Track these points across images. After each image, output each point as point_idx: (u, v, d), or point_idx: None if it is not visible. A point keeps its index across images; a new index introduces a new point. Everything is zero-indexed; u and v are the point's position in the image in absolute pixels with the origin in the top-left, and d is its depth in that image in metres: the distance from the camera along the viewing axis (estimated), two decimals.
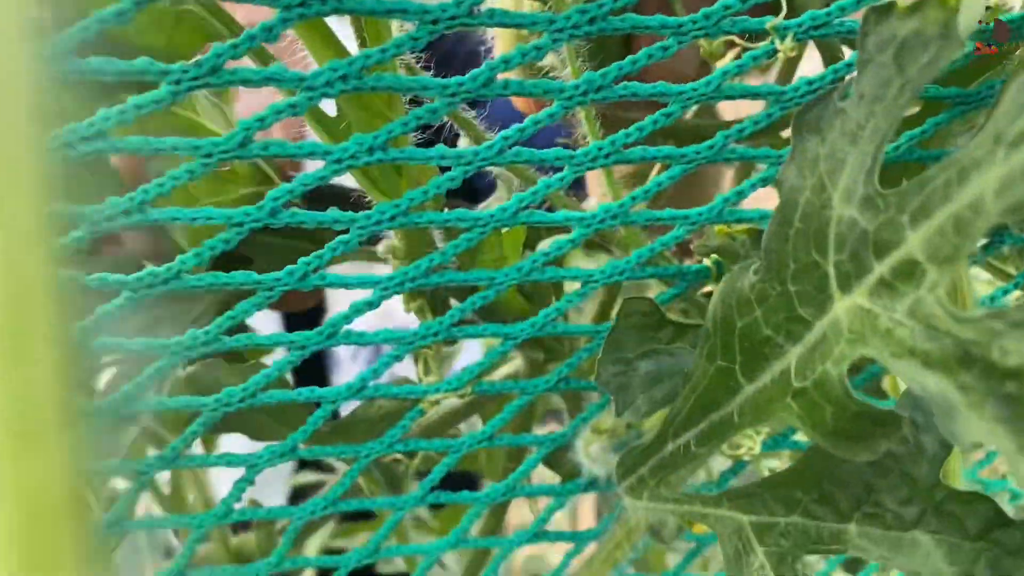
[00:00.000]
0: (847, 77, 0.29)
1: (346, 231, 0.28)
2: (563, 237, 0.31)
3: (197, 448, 0.55)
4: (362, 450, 0.34)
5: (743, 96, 0.29)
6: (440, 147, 0.28)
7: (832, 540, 0.28)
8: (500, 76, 0.27)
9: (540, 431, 0.42)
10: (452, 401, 0.41)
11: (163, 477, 0.52)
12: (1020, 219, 0.33)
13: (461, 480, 0.55)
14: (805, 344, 0.25)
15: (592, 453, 0.37)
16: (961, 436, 0.20)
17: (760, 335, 0.26)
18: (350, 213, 0.28)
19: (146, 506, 0.51)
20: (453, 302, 0.37)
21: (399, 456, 0.43)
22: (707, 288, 0.35)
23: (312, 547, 0.67)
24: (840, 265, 0.23)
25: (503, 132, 0.28)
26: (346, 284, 0.29)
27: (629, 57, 0.27)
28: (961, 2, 0.23)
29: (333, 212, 0.28)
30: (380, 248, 0.33)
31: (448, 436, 0.39)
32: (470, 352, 0.70)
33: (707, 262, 0.34)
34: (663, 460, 0.32)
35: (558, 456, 0.39)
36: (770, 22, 0.28)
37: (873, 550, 0.27)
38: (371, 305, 0.30)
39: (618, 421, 0.36)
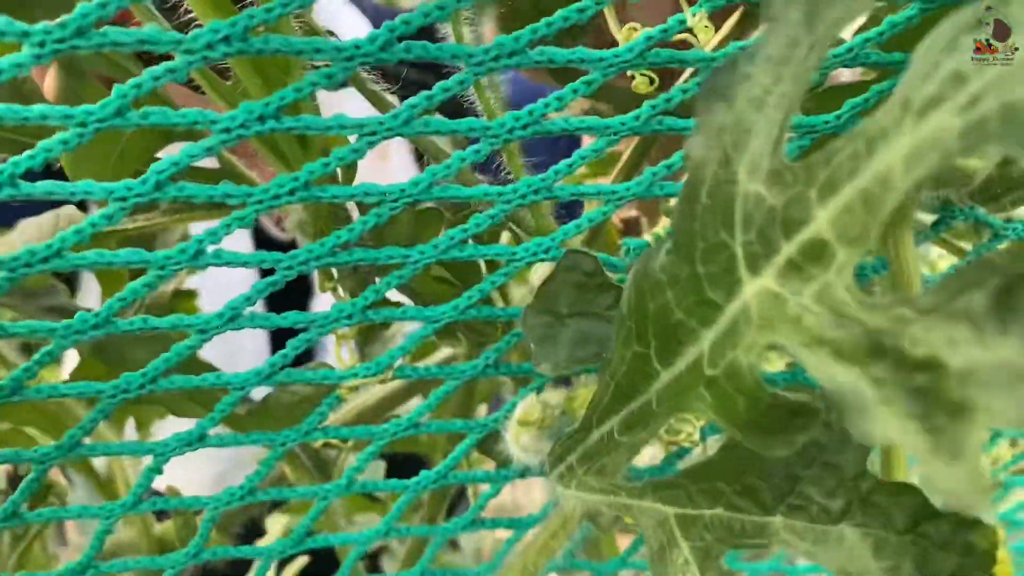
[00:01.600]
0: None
1: (243, 206, 0.26)
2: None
3: (131, 432, 0.54)
4: (277, 439, 0.32)
5: (668, 63, 0.27)
6: (339, 116, 0.26)
7: (756, 534, 0.26)
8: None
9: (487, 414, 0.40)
10: (392, 384, 0.40)
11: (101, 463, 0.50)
12: (947, 190, 0.31)
13: (408, 462, 0.54)
14: (717, 329, 0.23)
15: (523, 442, 0.35)
16: (872, 434, 0.18)
17: (672, 319, 0.24)
18: (244, 187, 0.26)
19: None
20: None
21: (332, 440, 0.41)
22: None
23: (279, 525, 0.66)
24: (748, 245, 0.21)
25: (409, 100, 0.26)
26: (245, 262, 0.28)
27: (544, 19, 0.25)
28: None
29: (226, 186, 0.26)
30: (288, 223, 0.32)
31: (388, 419, 0.38)
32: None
33: (648, 238, 0.32)
34: (589, 448, 0.30)
35: (493, 442, 0.37)
36: None
37: (799, 544, 0.26)
38: (274, 284, 0.28)
39: (546, 412, 0.34)
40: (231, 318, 0.28)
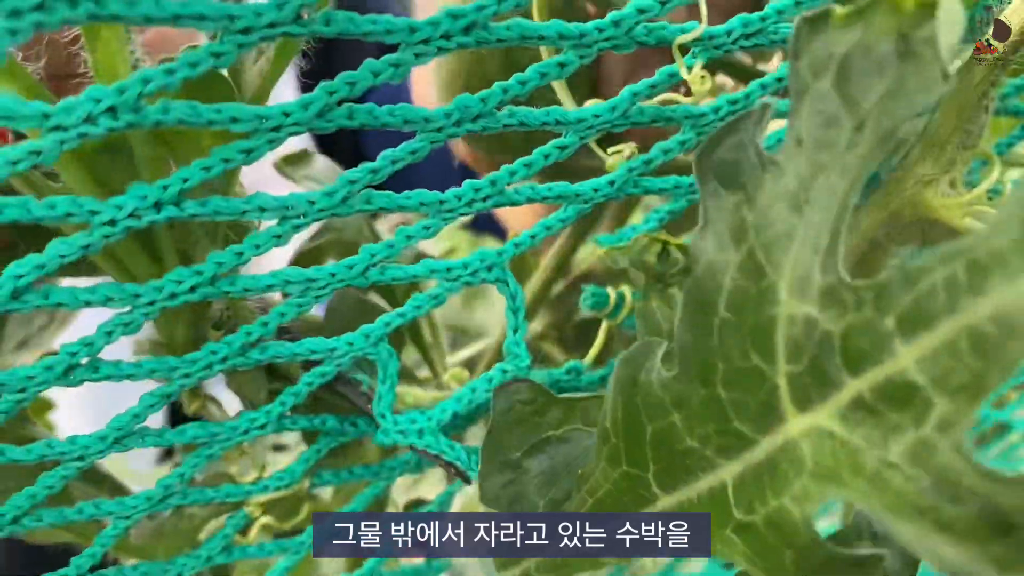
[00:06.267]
0: (764, 97, 0.23)
1: (130, 309, 0.21)
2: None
3: None
4: (172, 569, 0.26)
5: (654, 121, 0.23)
6: (257, 195, 0.20)
7: None
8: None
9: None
10: None
11: None
12: None
13: None
14: (745, 464, 0.19)
15: None
16: None
17: (680, 445, 0.20)
18: (131, 286, 0.20)
19: None
20: None
21: None
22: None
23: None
24: (796, 377, 0.18)
25: (347, 174, 0.21)
26: (130, 374, 0.22)
27: (516, 76, 0.21)
28: (934, 7, 0.17)
29: (106, 286, 0.20)
30: None
31: None
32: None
33: (611, 292, 0.27)
34: (552, 561, 0.26)
35: None
36: (680, 36, 0.22)
37: None
38: (169, 396, 0.22)
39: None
40: (116, 440, 0.22)
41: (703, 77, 0.22)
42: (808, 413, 0.18)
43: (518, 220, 0.50)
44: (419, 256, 0.30)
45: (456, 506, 0.31)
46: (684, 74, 0.22)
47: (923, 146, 0.27)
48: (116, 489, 0.28)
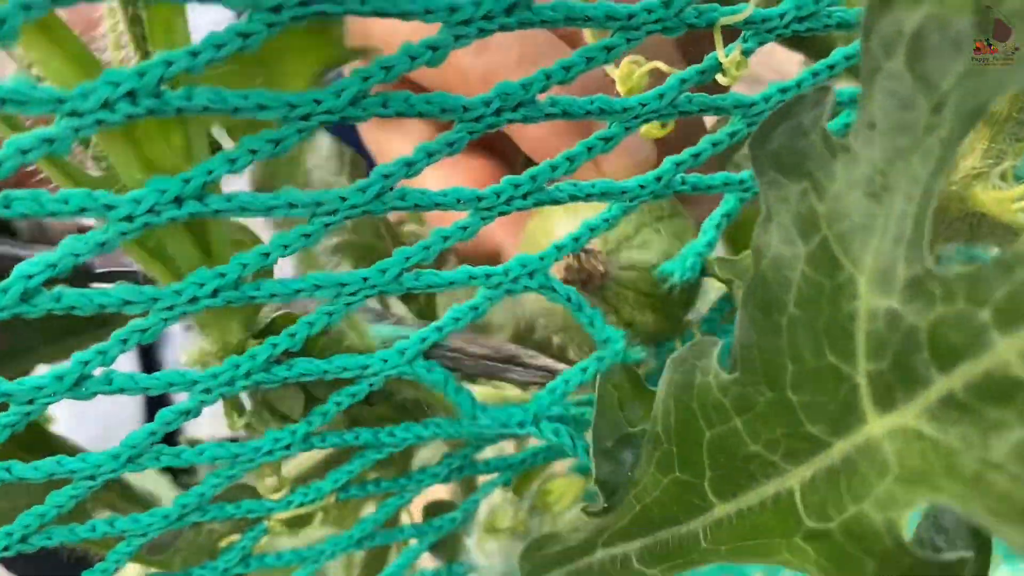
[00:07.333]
0: (825, 83, 0.22)
1: (146, 313, 0.19)
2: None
3: None
4: None
5: (702, 111, 0.21)
6: (287, 191, 0.19)
7: None
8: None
9: None
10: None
11: None
12: None
13: None
14: (815, 467, 0.18)
15: (489, 549, 0.29)
16: None
17: (743, 451, 0.19)
18: (149, 289, 0.19)
19: None
20: None
21: None
22: None
23: None
24: (878, 376, 0.16)
25: (380, 168, 0.19)
26: (147, 387, 0.20)
27: (559, 61, 0.19)
28: None
29: (123, 288, 0.19)
30: None
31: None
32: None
33: None
34: (588, 568, 0.25)
35: (449, 545, 0.31)
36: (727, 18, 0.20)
37: None
38: (188, 414, 0.21)
39: (518, 518, 0.29)
40: (131, 458, 0.21)
41: (739, 63, 0.20)
42: (892, 413, 0.16)
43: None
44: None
45: (483, 512, 0.29)
46: (721, 58, 0.20)
47: (972, 138, 0.26)
48: (130, 497, 0.26)
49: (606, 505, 0.22)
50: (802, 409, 0.18)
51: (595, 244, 0.24)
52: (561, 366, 0.24)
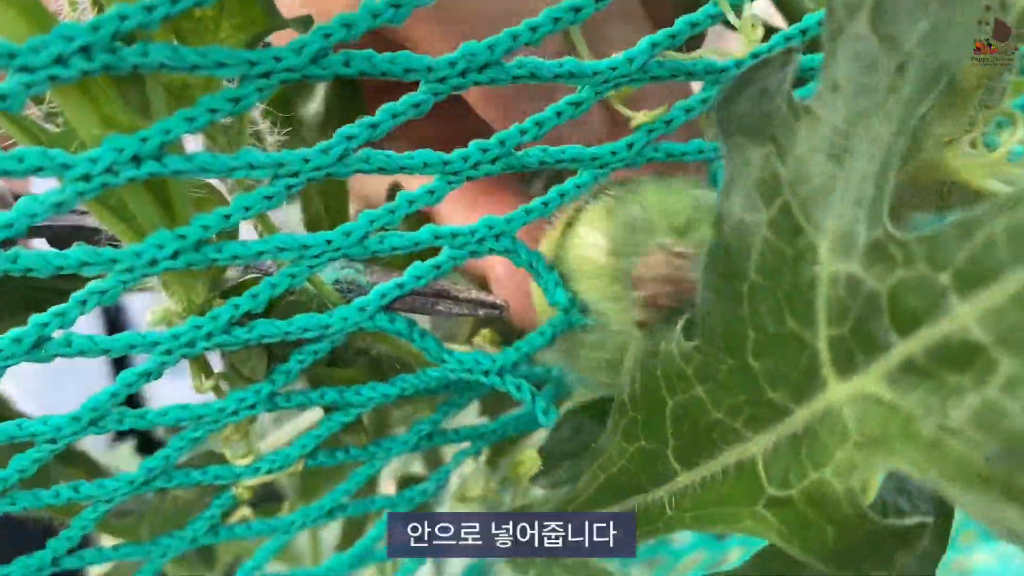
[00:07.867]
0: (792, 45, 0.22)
1: (103, 275, 0.19)
2: None
3: None
4: (155, 550, 0.25)
5: (673, 75, 0.21)
6: (246, 151, 0.18)
7: None
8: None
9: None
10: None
11: None
12: None
13: None
14: (777, 434, 0.18)
15: None
16: None
17: (705, 419, 0.19)
18: (107, 250, 0.18)
19: None
20: None
21: None
22: None
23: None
24: (838, 341, 0.16)
25: (343, 130, 0.19)
26: (107, 349, 0.20)
27: (526, 21, 0.19)
28: None
29: (80, 250, 0.18)
30: None
31: None
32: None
33: None
34: None
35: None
36: None
37: None
38: (149, 375, 0.21)
39: (490, 488, 0.29)
40: (92, 421, 0.21)
41: (753, 26, 0.20)
42: (852, 379, 0.16)
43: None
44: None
45: (453, 484, 0.29)
46: (733, 20, 0.20)
47: (942, 105, 0.25)
48: (92, 468, 0.26)
49: (543, 470, 0.22)
50: (763, 376, 0.18)
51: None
52: (491, 298, 0.24)
